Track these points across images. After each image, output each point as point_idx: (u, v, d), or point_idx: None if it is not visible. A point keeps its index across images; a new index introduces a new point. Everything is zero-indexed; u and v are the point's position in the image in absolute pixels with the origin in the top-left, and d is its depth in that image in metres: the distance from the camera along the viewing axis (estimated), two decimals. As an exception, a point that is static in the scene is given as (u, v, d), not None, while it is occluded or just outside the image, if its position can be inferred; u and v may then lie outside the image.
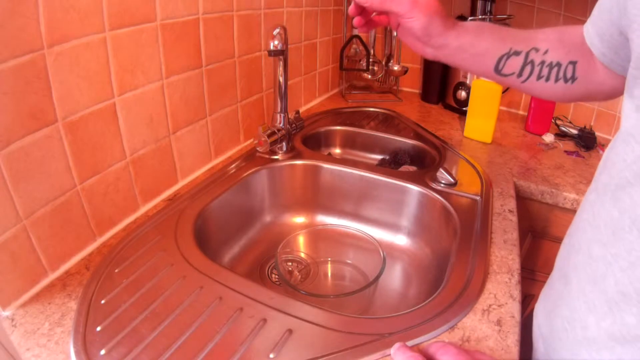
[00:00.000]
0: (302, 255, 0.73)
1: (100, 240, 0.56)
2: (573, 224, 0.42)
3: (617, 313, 0.32)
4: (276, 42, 0.68)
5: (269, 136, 0.76)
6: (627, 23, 0.35)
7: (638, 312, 0.30)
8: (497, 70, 0.48)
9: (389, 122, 1.08)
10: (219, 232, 0.69)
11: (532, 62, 0.46)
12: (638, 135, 0.32)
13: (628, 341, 0.31)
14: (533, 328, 0.47)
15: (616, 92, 0.46)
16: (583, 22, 0.46)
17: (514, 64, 0.47)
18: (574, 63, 0.45)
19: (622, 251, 0.32)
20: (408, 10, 0.45)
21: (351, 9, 0.51)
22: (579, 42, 0.46)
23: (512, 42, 0.47)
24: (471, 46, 0.48)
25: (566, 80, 0.46)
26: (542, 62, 0.46)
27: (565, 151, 0.95)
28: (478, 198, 0.70)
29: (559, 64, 0.46)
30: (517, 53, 0.46)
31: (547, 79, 0.46)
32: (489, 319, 0.46)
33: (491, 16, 1.09)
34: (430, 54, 0.50)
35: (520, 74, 0.47)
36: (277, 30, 0.68)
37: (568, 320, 0.38)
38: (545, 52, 0.46)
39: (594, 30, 0.44)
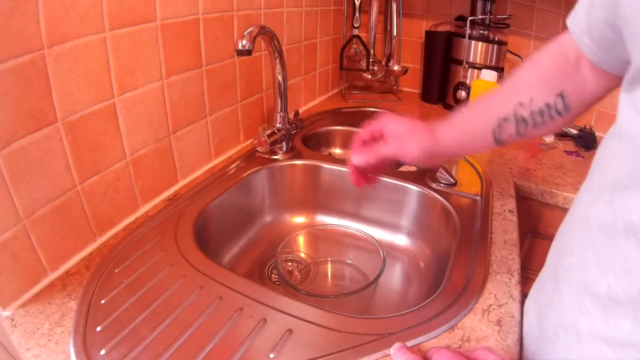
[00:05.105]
0: (302, 255, 0.74)
1: (100, 240, 0.56)
2: (565, 223, 0.41)
3: (610, 317, 0.31)
4: (244, 42, 0.62)
5: (269, 136, 0.76)
6: (623, 24, 0.33)
7: (632, 317, 0.30)
8: (498, 142, 0.47)
9: (389, 122, 1.08)
10: (219, 232, 0.69)
11: (523, 119, 0.45)
12: (633, 135, 0.31)
13: (621, 345, 0.31)
14: (523, 324, 0.46)
15: (609, 89, 0.45)
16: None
17: (509, 129, 0.46)
18: (560, 94, 0.44)
19: (615, 256, 0.31)
20: (397, 150, 0.49)
21: (355, 179, 0.53)
22: (557, 67, 0.45)
23: (497, 111, 0.46)
24: (465, 136, 0.49)
25: (560, 114, 0.45)
26: (532, 113, 0.45)
27: (565, 151, 0.95)
28: (478, 198, 0.70)
29: (547, 105, 0.44)
30: (505, 120, 0.46)
31: (544, 124, 0.45)
32: (489, 319, 0.46)
33: (491, 16, 1.09)
34: (440, 161, 0.54)
35: (518, 134, 0.46)
36: (250, 29, 0.62)
37: (559, 324, 0.37)
38: (531, 101, 0.45)
39: (582, 30, 0.41)
